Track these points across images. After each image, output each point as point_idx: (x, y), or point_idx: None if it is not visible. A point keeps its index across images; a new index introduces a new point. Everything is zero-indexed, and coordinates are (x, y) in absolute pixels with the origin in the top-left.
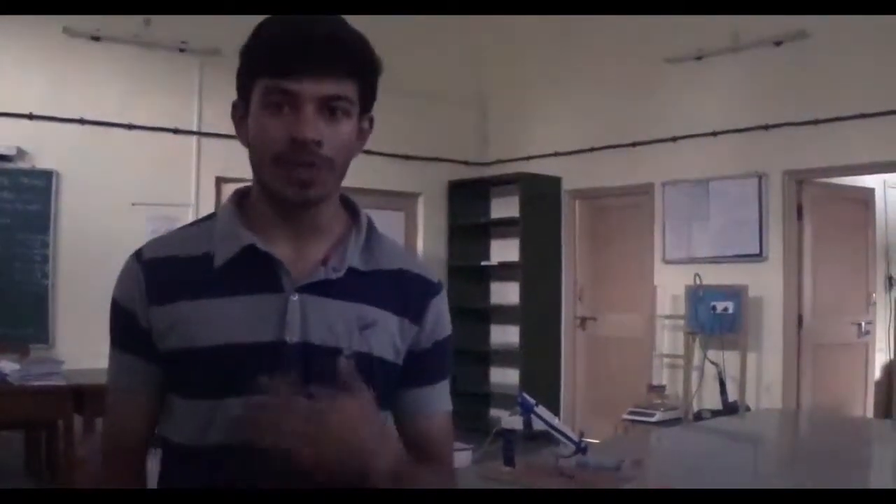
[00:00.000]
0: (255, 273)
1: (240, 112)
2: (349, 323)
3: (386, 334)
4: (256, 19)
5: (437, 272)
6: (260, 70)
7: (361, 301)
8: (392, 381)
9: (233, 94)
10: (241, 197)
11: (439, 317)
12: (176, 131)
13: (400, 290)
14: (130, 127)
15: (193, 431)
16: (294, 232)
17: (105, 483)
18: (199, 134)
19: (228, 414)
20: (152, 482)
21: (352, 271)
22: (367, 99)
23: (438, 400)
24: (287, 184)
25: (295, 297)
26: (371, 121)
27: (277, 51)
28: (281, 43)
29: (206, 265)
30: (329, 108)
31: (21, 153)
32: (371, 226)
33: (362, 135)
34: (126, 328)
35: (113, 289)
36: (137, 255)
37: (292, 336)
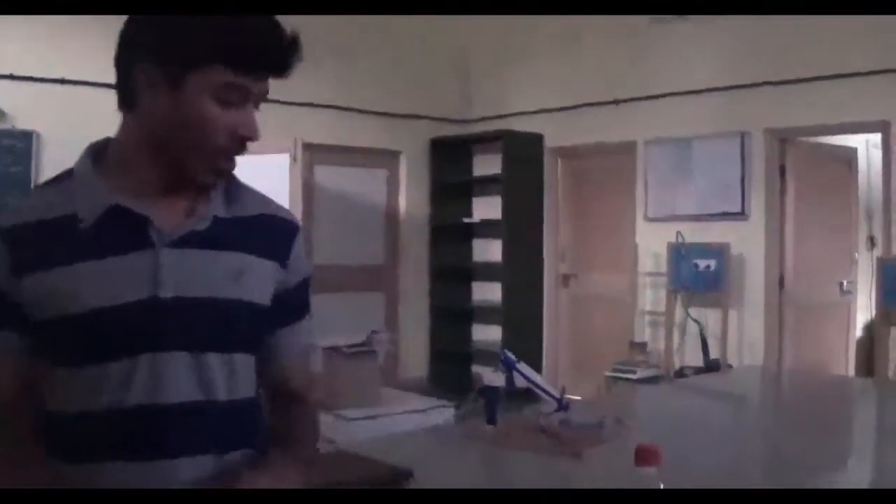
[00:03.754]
0: (122, 232)
1: (156, 81)
2: (221, 271)
3: (258, 279)
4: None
5: (420, 230)
6: (222, 58)
7: (231, 249)
8: (263, 324)
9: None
10: (98, 151)
11: (301, 256)
12: None
13: (265, 234)
14: (112, 87)
15: (79, 398)
16: (162, 188)
17: None
18: None
19: (112, 377)
20: None
21: (218, 220)
22: None
23: (303, 337)
24: (210, 172)
25: (165, 252)
26: None
27: (256, 50)
28: (260, 42)
29: (70, 228)
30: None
31: (1, 114)
32: (231, 174)
33: None
34: None
35: None
36: None
37: (166, 291)
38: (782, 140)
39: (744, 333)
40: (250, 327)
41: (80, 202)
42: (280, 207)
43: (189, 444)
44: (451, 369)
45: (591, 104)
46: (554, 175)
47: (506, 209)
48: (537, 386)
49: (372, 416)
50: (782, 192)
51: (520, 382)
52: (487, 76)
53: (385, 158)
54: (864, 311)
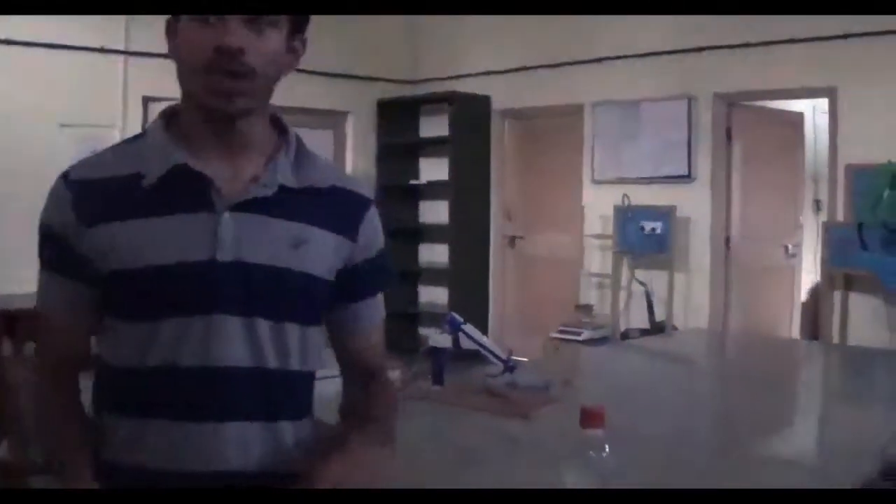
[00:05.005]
0: (186, 192)
1: (172, 26)
2: (282, 240)
3: (319, 251)
4: None
5: (366, 190)
6: None
7: (294, 219)
8: (324, 297)
9: (160, 14)
10: (170, 115)
11: (373, 231)
12: (103, 50)
13: (333, 207)
14: (56, 47)
15: (131, 353)
16: (225, 150)
17: (46, 400)
18: (126, 53)
19: (164, 335)
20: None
21: (284, 189)
22: (298, 16)
23: (375, 312)
24: (211, 94)
25: (227, 216)
26: (304, 42)
27: None
28: None
29: (136, 185)
30: (254, 19)
31: None
32: (300, 143)
33: (294, 54)
34: (57, 251)
35: (41, 212)
36: (65, 177)
37: (224, 255)
38: (729, 104)
39: (689, 296)
40: (305, 298)
41: (146, 161)
42: (353, 181)
43: (237, 409)
44: (397, 331)
45: (539, 66)
46: (501, 137)
47: (453, 171)
48: (484, 347)
49: (319, 378)
50: (729, 155)
51: (466, 344)
52: (435, 38)
53: (332, 119)
54: (809, 274)
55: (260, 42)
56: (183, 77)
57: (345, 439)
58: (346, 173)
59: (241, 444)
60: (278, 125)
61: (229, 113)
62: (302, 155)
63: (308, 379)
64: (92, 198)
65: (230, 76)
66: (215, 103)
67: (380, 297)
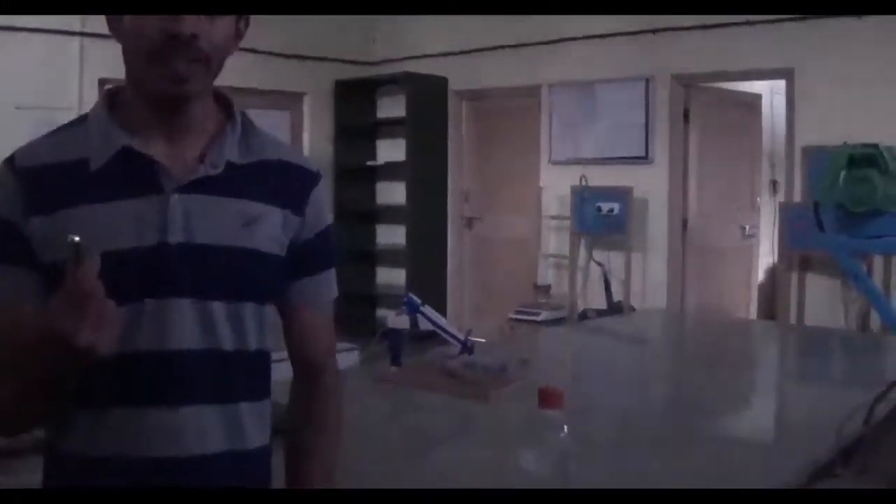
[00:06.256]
0: (133, 175)
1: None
2: (232, 219)
3: (269, 228)
4: None
5: (322, 171)
6: None
7: (243, 196)
8: (276, 275)
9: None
10: (112, 97)
11: (320, 206)
12: (59, 33)
13: (281, 182)
14: (12, 29)
15: None
16: (169, 130)
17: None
18: (82, 35)
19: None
20: None
21: (231, 166)
22: None
23: (326, 289)
24: (163, 79)
25: (175, 197)
26: (247, 21)
27: None
28: None
29: (82, 171)
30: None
31: None
32: (246, 119)
33: (238, 34)
34: (6, 240)
35: None
36: (10, 164)
37: (175, 237)
38: (687, 85)
39: (647, 276)
40: (259, 277)
41: (91, 145)
42: (300, 155)
43: (193, 393)
44: (355, 312)
45: (496, 47)
46: (458, 118)
47: (410, 152)
48: (442, 328)
49: (277, 360)
50: (686, 136)
51: (424, 325)
52: (392, 18)
53: (288, 100)
54: (766, 255)
55: (212, 27)
56: (131, 62)
57: (291, 478)
58: (292, 147)
59: (198, 428)
60: (223, 102)
61: (182, 97)
62: (248, 131)
63: (265, 358)
64: (39, 185)
65: (183, 62)
66: (168, 89)
67: (331, 273)
